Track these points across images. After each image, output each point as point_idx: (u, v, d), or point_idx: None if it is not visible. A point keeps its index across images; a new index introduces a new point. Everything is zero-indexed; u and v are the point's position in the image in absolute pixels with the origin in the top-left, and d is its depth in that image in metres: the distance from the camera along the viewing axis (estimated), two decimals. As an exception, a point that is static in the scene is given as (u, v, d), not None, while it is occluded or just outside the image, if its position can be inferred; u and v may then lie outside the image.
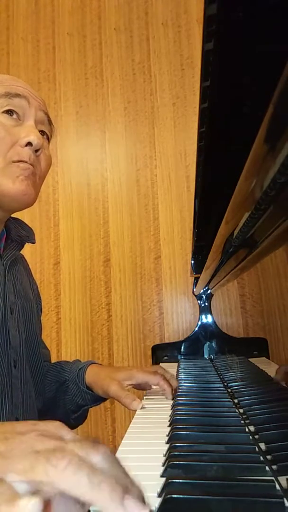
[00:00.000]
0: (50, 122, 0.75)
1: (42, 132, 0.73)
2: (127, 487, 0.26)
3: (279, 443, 0.45)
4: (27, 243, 0.80)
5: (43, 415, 0.81)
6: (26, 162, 0.67)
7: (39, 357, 0.79)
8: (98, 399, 0.83)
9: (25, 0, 1.83)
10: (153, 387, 0.82)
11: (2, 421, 0.64)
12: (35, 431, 0.30)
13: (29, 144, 0.67)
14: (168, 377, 0.81)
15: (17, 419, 0.67)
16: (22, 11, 1.82)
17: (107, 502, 0.24)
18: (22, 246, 0.79)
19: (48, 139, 0.76)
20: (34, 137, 0.68)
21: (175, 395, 0.75)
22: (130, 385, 0.78)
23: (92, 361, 0.88)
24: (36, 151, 0.69)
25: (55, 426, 0.31)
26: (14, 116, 0.69)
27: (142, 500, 0.26)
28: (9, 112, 0.68)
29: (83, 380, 0.82)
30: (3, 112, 0.68)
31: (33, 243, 0.81)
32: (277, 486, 0.35)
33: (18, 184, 0.67)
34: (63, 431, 0.31)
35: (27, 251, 1.62)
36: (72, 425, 0.85)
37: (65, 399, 0.84)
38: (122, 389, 0.75)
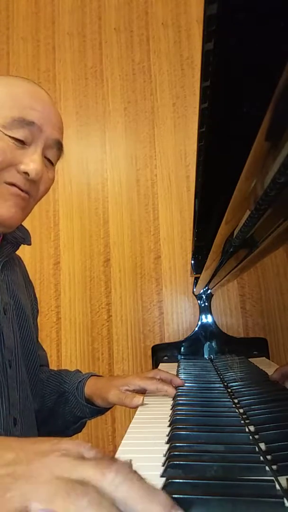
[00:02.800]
0: (60, 148, 0.72)
1: (47, 159, 0.69)
2: (154, 509, 0.25)
3: (279, 443, 0.45)
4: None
5: (43, 423, 0.82)
6: (18, 187, 0.65)
7: (35, 357, 0.79)
8: (96, 412, 0.83)
9: (25, 0, 1.83)
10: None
11: None
12: (56, 451, 0.30)
13: (26, 173, 0.64)
14: (170, 379, 0.81)
15: (14, 419, 0.67)
16: (22, 11, 1.82)
17: None
18: (17, 248, 0.78)
19: (53, 163, 0.72)
20: (34, 169, 0.64)
21: (175, 395, 0.75)
22: (127, 390, 0.78)
23: (92, 373, 0.88)
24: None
25: (75, 445, 0.31)
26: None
27: None
28: (17, 140, 0.64)
29: (82, 393, 0.82)
30: (10, 137, 0.63)
31: (29, 245, 0.80)
32: (277, 486, 0.35)
33: (6, 209, 0.64)
34: (83, 449, 0.31)
35: (27, 251, 1.62)
36: (71, 435, 0.87)
37: (64, 410, 0.84)
38: (121, 393, 0.76)
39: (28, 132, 0.64)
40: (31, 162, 0.64)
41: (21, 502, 0.26)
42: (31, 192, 0.67)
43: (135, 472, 0.27)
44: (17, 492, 0.27)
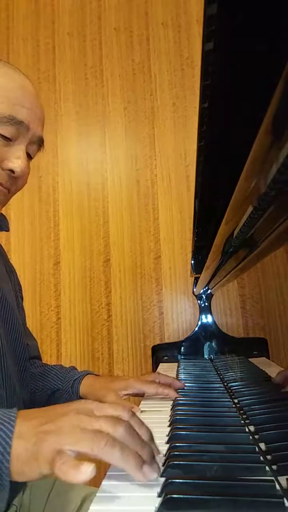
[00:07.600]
0: (41, 144, 0.72)
1: (28, 154, 0.69)
2: (145, 453, 0.38)
3: (279, 443, 0.45)
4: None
5: None
6: (1, 184, 0.65)
7: (23, 348, 0.76)
8: None
9: (25, 0, 1.83)
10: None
11: None
12: (73, 411, 0.40)
13: (11, 171, 0.65)
14: (170, 381, 0.79)
15: None
16: (22, 11, 1.82)
17: (132, 470, 0.37)
18: None
19: (32, 157, 0.72)
20: (19, 166, 0.65)
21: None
22: (126, 394, 0.76)
23: (88, 371, 0.85)
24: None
25: (85, 403, 0.43)
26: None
27: (153, 458, 0.39)
28: (4, 137, 0.64)
29: (77, 392, 0.80)
30: None
31: (7, 231, 0.79)
32: (277, 486, 0.35)
33: None
34: (92, 405, 0.42)
35: (27, 251, 1.63)
36: None
37: None
38: (119, 399, 0.73)
39: (15, 130, 0.64)
40: (17, 160, 0.65)
41: (55, 446, 0.36)
42: (11, 188, 0.68)
43: (136, 430, 0.40)
44: (51, 441, 0.37)
